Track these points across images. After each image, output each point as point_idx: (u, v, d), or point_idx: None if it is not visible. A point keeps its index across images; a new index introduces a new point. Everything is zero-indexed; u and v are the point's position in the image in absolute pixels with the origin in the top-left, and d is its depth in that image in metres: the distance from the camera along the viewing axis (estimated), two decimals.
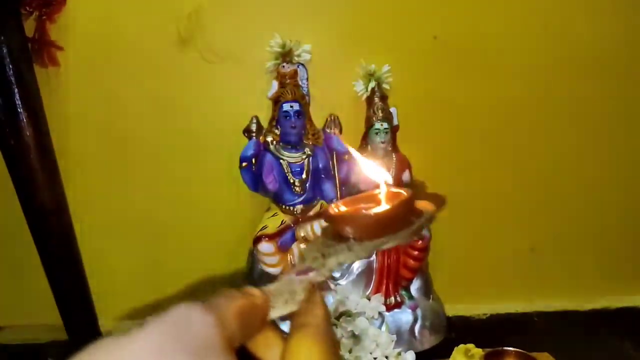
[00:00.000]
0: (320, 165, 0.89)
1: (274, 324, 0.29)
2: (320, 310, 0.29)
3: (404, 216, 0.34)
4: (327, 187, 0.90)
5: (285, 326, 0.28)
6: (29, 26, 0.88)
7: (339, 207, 0.35)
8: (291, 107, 0.86)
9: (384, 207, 0.34)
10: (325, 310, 0.29)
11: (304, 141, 0.89)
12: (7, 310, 1.06)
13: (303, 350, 0.26)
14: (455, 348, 0.88)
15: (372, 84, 0.91)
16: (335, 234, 0.34)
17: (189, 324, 0.22)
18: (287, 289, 0.30)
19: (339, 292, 0.92)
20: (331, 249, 0.33)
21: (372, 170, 0.38)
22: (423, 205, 0.36)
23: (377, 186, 0.36)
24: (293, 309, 0.29)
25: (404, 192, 0.35)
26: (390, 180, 0.36)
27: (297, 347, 0.26)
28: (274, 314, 0.28)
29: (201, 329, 0.22)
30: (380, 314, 0.91)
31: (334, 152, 0.91)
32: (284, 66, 0.88)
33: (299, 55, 0.90)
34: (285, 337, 0.28)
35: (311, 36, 0.92)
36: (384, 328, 0.90)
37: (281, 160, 0.87)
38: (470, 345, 0.87)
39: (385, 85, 0.93)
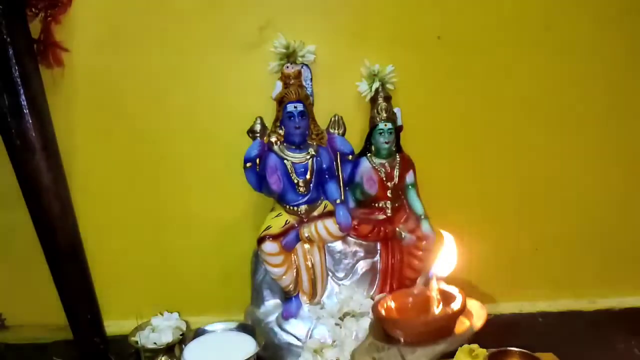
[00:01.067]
0: (324, 166, 0.89)
1: None
2: None
3: (454, 322, 0.34)
4: (331, 187, 0.90)
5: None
6: (35, 27, 0.88)
7: (388, 304, 0.34)
8: (295, 107, 0.86)
9: (436, 313, 0.34)
10: None
11: (308, 141, 0.89)
12: (13, 309, 1.06)
13: None
14: (459, 348, 0.87)
15: (376, 85, 0.92)
16: (384, 332, 0.34)
17: None
18: None
19: (344, 292, 0.93)
20: (383, 353, 0.32)
21: (442, 261, 0.36)
22: (473, 306, 0.36)
23: (428, 282, 0.35)
24: None
25: (455, 294, 0.34)
26: (444, 275, 0.35)
27: None
28: None
29: None
30: None
31: (338, 153, 0.91)
32: (288, 67, 0.88)
33: (303, 56, 0.90)
34: None
35: (315, 37, 0.92)
36: None
37: (285, 161, 0.87)
38: (474, 345, 0.87)
39: (389, 86, 0.93)
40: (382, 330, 0.33)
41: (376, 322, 0.34)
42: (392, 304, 0.34)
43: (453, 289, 0.34)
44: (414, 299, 0.35)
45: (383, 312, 0.34)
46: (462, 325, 0.33)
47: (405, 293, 0.35)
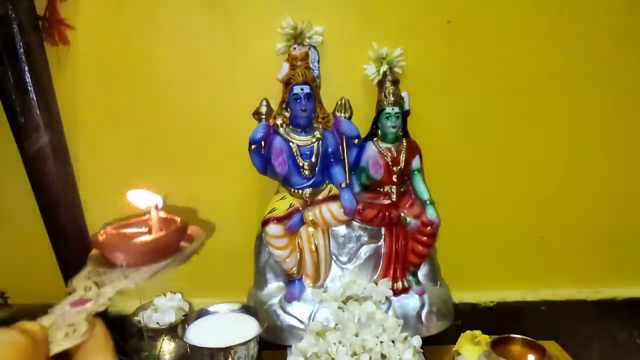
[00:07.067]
0: (330, 149, 0.89)
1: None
2: (106, 347, 0.27)
3: (175, 242, 0.35)
4: (336, 171, 0.90)
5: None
6: (40, 4, 0.88)
7: (107, 233, 0.35)
8: (302, 89, 0.85)
9: (155, 234, 0.34)
10: (111, 347, 0.27)
11: (314, 124, 0.88)
12: (16, 288, 1.07)
13: None
14: (462, 334, 0.88)
15: (384, 68, 0.90)
16: (105, 260, 0.33)
17: None
18: (64, 322, 0.28)
19: (347, 276, 0.93)
20: (105, 277, 0.32)
21: (141, 197, 0.37)
22: (194, 231, 0.37)
23: (147, 211, 0.36)
24: (76, 342, 0.27)
25: (176, 219, 0.35)
26: (161, 204, 0.36)
27: None
28: (55, 348, 0.26)
29: None
30: (387, 298, 0.91)
31: (344, 136, 0.90)
32: (295, 48, 0.87)
33: (310, 37, 0.89)
34: None
35: (323, 18, 0.91)
36: (390, 313, 0.90)
37: (290, 144, 0.87)
38: (477, 332, 0.87)
39: (397, 69, 0.92)
40: (102, 259, 0.34)
41: (95, 253, 0.35)
42: (112, 232, 0.35)
43: (174, 217, 0.35)
44: (135, 227, 0.36)
45: (102, 238, 0.34)
46: (184, 248, 0.35)
47: (125, 223, 0.36)
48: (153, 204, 0.36)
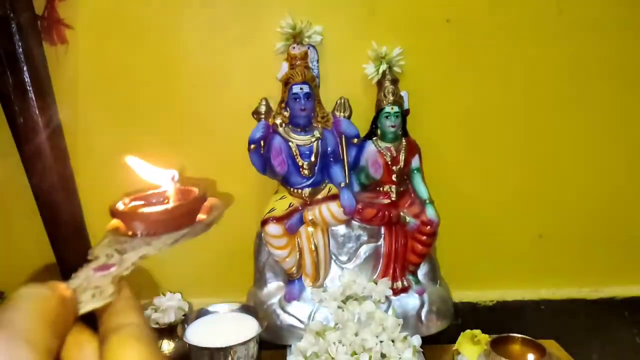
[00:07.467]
0: (329, 149, 0.89)
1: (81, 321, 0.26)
2: (135, 307, 0.27)
3: (195, 211, 0.35)
4: (336, 171, 0.90)
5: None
6: (39, 4, 0.87)
7: (126, 202, 0.35)
8: (301, 89, 0.85)
9: (174, 203, 0.34)
10: (140, 307, 0.27)
11: (313, 124, 0.88)
12: (15, 287, 1.06)
13: (128, 351, 0.24)
14: (462, 333, 0.88)
15: (383, 67, 0.90)
16: (124, 231, 0.34)
17: None
18: (90, 285, 0.28)
19: (346, 275, 0.93)
20: (127, 245, 0.32)
21: (156, 172, 0.37)
22: (212, 202, 0.37)
23: (165, 183, 0.36)
24: (104, 302, 0.27)
25: (194, 189, 0.35)
26: (178, 177, 0.36)
27: (121, 347, 0.24)
28: (84, 308, 0.26)
29: None
30: (387, 298, 0.91)
31: (343, 136, 0.90)
32: (294, 47, 0.87)
33: (309, 37, 0.89)
34: (96, 334, 0.25)
35: (322, 17, 0.90)
36: (390, 312, 0.90)
37: (290, 143, 0.87)
38: (477, 331, 0.87)
39: (396, 69, 0.92)
40: (121, 230, 0.34)
41: (113, 224, 0.35)
42: (131, 203, 0.35)
43: (192, 188, 0.36)
44: (153, 199, 0.36)
45: (122, 207, 0.34)
46: (203, 217, 0.35)
47: (145, 195, 0.36)
48: (169, 176, 0.36)
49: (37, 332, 0.21)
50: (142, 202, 0.36)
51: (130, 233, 0.33)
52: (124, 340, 0.24)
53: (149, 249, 0.31)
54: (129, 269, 0.30)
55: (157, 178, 0.37)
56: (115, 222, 0.35)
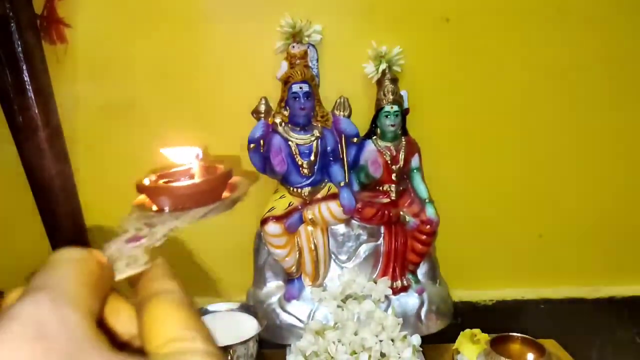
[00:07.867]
0: (329, 148, 0.89)
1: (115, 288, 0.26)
2: (172, 274, 0.26)
3: (220, 187, 0.35)
4: (335, 170, 0.90)
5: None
6: (38, 3, 0.87)
7: (151, 179, 0.35)
8: (300, 88, 0.85)
9: (199, 179, 0.35)
10: (176, 275, 0.27)
11: (313, 123, 0.88)
12: (14, 283, 1.06)
13: (169, 317, 0.23)
14: (461, 333, 0.88)
15: (383, 66, 0.90)
16: (149, 207, 0.34)
17: (45, 328, 0.18)
18: (123, 255, 0.28)
19: (346, 275, 0.93)
20: (155, 219, 0.32)
21: (181, 152, 0.37)
22: (237, 180, 0.37)
23: (191, 162, 0.36)
24: (139, 270, 0.27)
25: (219, 166, 0.36)
26: (202, 155, 0.36)
27: (162, 313, 0.23)
28: (119, 275, 0.27)
29: (61, 329, 0.19)
30: (386, 297, 0.91)
31: (343, 135, 0.90)
32: (294, 46, 0.87)
33: (309, 36, 0.89)
34: (132, 301, 0.25)
35: (322, 16, 0.90)
36: (390, 311, 0.90)
37: (289, 142, 0.87)
38: (476, 330, 0.87)
39: (396, 68, 0.91)
40: (147, 206, 0.34)
41: (139, 201, 0.35)
42: (157, 180, 0.36)
43: (218, 165, 0.36)
44: (178, 176, 0.37)
45: (148, 182, 0.35)
46: (228, 194, 0.35)
47: (170, 172, 0.37)
48: (193, 154, 0.36)
49: (80, 293, 0.21)
50: (167, 180, 0.36)
51: (156, 209, 0.33)
52: (164, 305, 0.24)
53: (177, 222, 0.31)
54: (161, 240, 0.30)
55: (181, 157, 0.37)
56: (141, 199, 0.35)
